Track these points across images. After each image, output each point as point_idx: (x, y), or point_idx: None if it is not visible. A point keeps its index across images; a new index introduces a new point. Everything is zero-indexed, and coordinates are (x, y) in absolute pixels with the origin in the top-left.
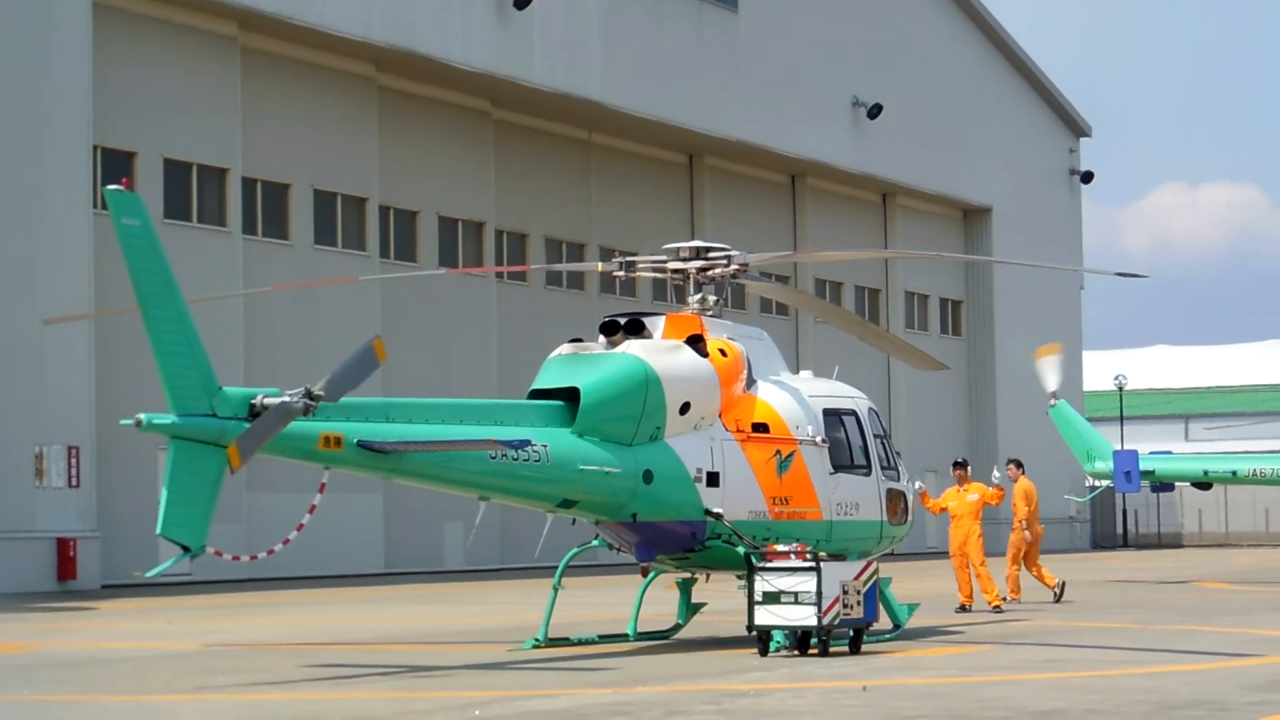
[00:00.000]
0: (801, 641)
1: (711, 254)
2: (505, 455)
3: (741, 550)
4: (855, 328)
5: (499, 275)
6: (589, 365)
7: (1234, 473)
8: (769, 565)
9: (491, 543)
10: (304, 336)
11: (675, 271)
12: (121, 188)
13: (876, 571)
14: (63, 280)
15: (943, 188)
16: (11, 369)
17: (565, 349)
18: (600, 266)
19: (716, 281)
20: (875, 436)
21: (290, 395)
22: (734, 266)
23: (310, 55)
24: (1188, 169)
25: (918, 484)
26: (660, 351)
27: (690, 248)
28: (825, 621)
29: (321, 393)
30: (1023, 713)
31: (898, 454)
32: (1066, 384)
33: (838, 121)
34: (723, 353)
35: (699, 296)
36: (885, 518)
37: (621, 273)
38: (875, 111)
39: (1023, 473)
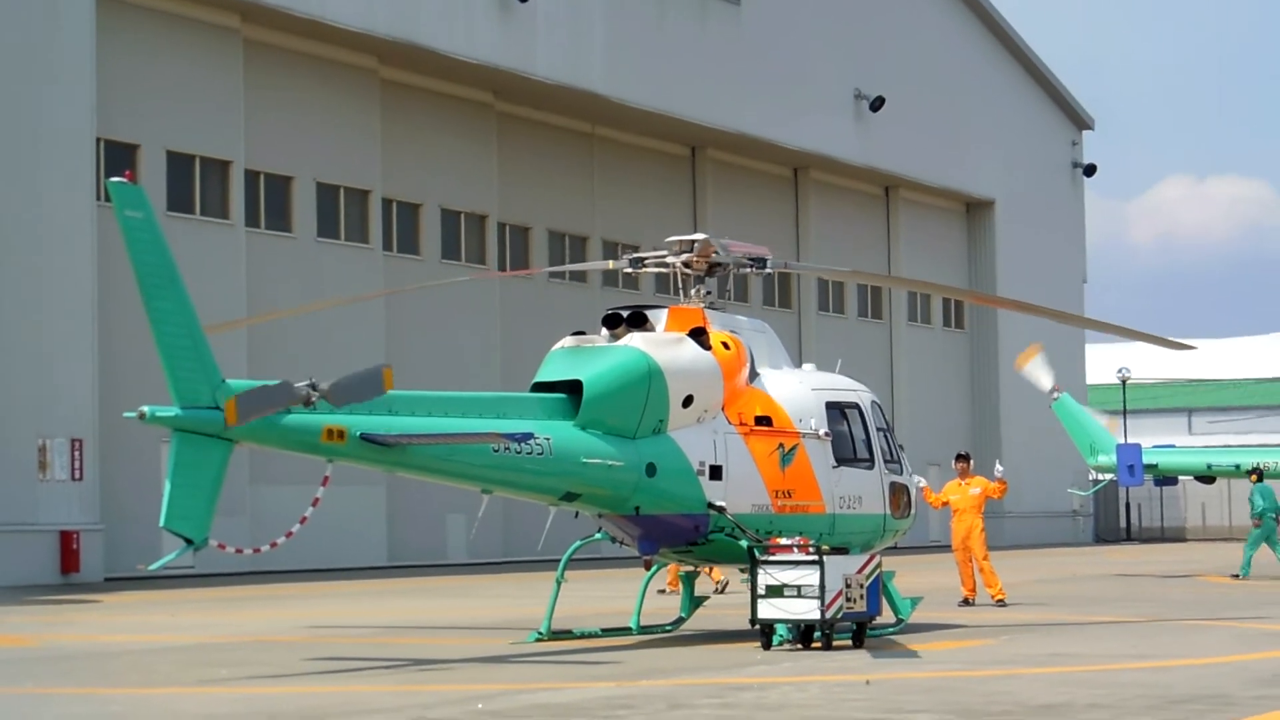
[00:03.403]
0: (804, 635)
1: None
2: (508, 448)
3: (744, 543)
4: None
5: (502, 268)
6: (592, 358)
7: (1237, 466)
8: (772, 559)
9: (494, 536)
10: (308, 329)
11: (687, 265)
12: (124, 180)
13: (879, 565)
14: (66, 273)
15: (946, 181)
16: (14, 361)
17: (568, 342)
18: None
19: (721, 275)
20: (878, 430)
21: (296, 384)
22: (770, 270)
23: (313, 48)
24: (1193, 162)
25: (920, 481)
26: (663, 344)
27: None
28: (828, 615)
29: (327, 390)
30: (1026, 707)
31: (901, 447)
32: (1069, 377)
33: (840, 114)
34: (725, 345)
35: (701, 289)
36: (888, 511)
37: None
38: (878, 104)
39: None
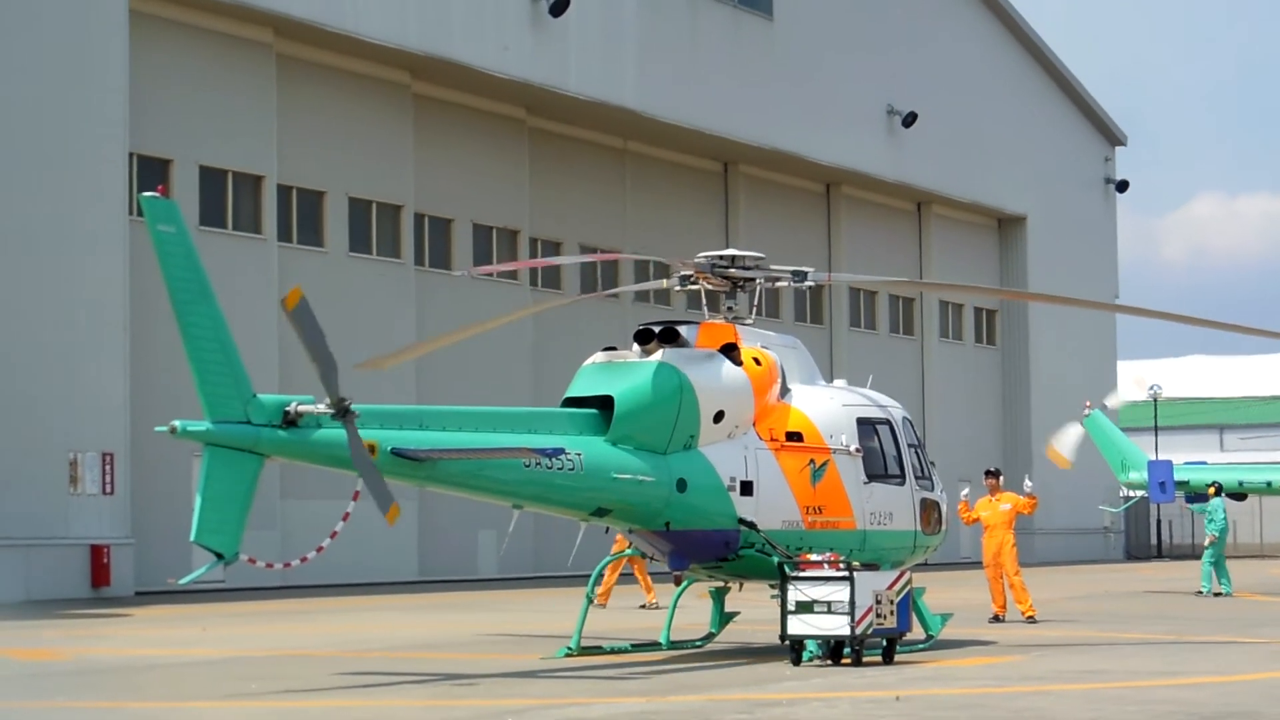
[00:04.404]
0: (834, 651)
1: (771, 266)
2: (539, 463)
3: (775, 559)
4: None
5: (533, 283)
6: (623, 373)
7: (1269, 483)
8: (802, 575)
9: (525, 551)
10: (336, 345)
11: (727, 278)
12: (157, 194)
13: (910, 581)
14: (98, 287)
15: (978, 196)
16: (46, 375)
17: (599, 357)
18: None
19: (750, 290)
20: (909, 446)
21: (323, 410)
22: (809, 283)
23: (346, 63)
24: (1225, 179)
25: (964, 491)
26: (694, 360)
27: (751, 258)
28: (858, 631)
29: (342, 400)
30: None
31: (932, 463)
32: (1102, 394)
33: (873, 130)
34: (757, 361)
35: (731, 304)
36: (919, 527)
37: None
38: (910, 120)
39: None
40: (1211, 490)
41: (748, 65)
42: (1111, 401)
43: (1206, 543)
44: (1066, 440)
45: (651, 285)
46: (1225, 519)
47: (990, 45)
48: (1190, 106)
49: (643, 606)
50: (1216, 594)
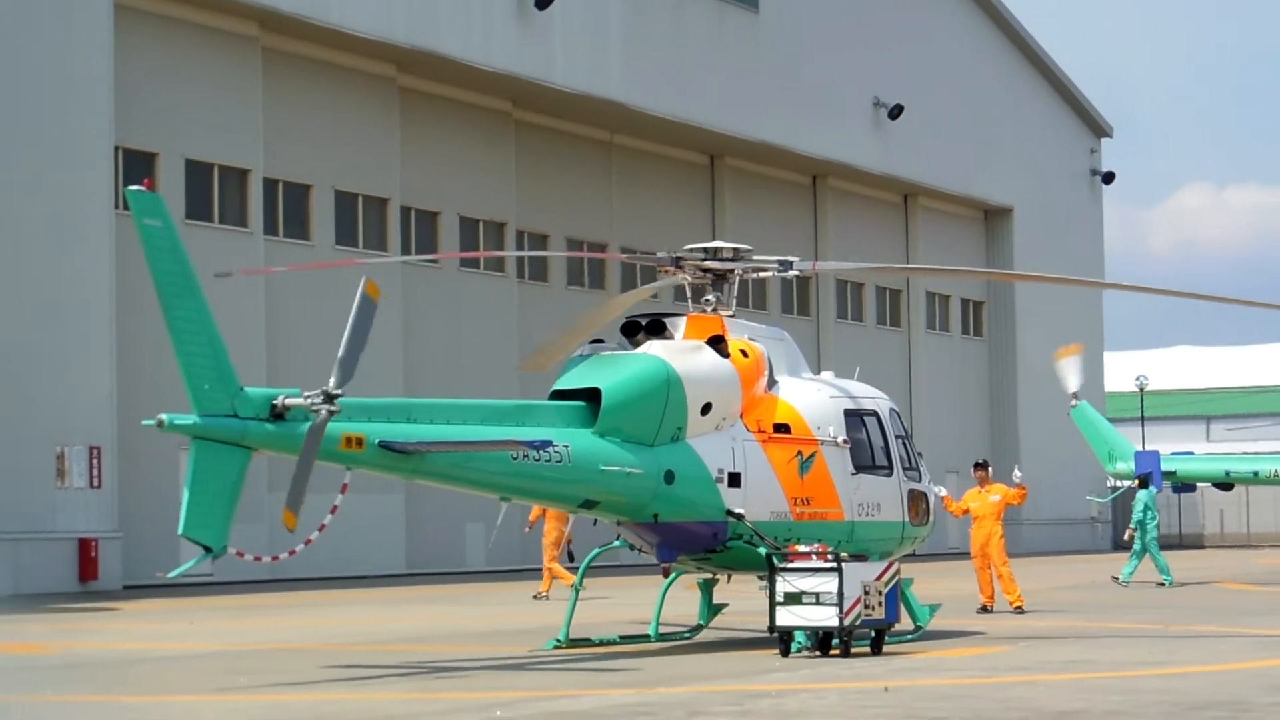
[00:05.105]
0: (823, 642)
1: (754, 257)
2: (527, 456)
3: (763, 551)
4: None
5: (520, 275)
6: (610, 366)
7: (1256, 473)
8: (790, 566)
9: (513, 543)
10: (323, 338)
11: (708, 271)
12: (143, 188)
13: (898, 572)
14: (84, 281)
15: (964, 188)
16: (33, 369)
17: (587, 349)
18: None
19: (731, 282)
20: (897, 437)
21: (308, 398)
22: (794, 272)
23: (331, 56)
24: (1212, 170)
25: (940, 489)
26: (681, 352)
27: (730, 248)
28: (847, 622)
29: (337, 389)
30: (1044, 713)
31: (920, 455)
32: (1087, 385)
33: (859, 122)
34: (744, 353)
35: (711, 296)
36: (907, 518)
37: (671, 269)
38: (896, 112)
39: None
40: (1136, 483)
41: (734, 58)
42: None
43: (1125, 536)
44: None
45: (663, 284)
46: (1144, 510)
47: (976, 37)
48: (1177, 98)
49: (535, 596)
50: (1113, 577)
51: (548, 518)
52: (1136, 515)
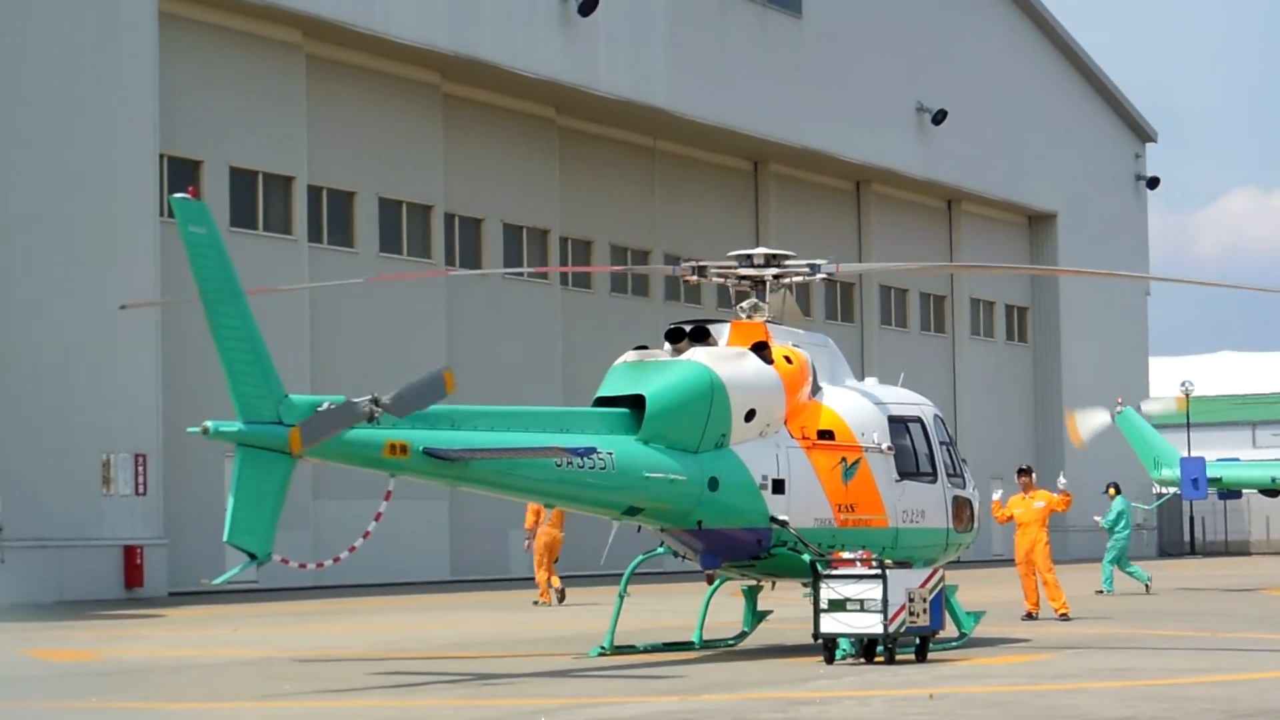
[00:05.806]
0: (867, 649)
1: (787, 261)
2: (571, 463)
3: (807, 558)
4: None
5: (563, 282)
6: (654, 372)
7: None
8: (835, 573)
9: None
10: (370, 344)
11: (744, 278)
12: (188, 196)
13: (942, 579)
14: (129, 288)
15: (1008, 194)
16: (79, 377)
17: (630, 356)
18: (673, 271)
19: (780, 288)
20: (941, 443)
21: (357, 401)
22: (821, 276)
23: (375, 63)
24: (1259, 174)
25: (997, 493)
26: (726, 359)
27: (763, 254)
28: (891, 629)
29: (389, 403)
30: None
31: (964, 461)
32: (1133, 391)
33: (902, 127)
34: (788, 360)
35: (750, 303)
36: (951, 525)
37: (693, 277)
38: (940, 117)
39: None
40: (1111, 492)
41: (777, 63)
42: (1148, 406)
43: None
44: (1090, 422)
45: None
46: (1117, 517)
47: (1020, 42)
48: (1222, 102)
49: (535, 603)
50: (1098, 591)
51: (546, 523)
52: (1107, 521)
